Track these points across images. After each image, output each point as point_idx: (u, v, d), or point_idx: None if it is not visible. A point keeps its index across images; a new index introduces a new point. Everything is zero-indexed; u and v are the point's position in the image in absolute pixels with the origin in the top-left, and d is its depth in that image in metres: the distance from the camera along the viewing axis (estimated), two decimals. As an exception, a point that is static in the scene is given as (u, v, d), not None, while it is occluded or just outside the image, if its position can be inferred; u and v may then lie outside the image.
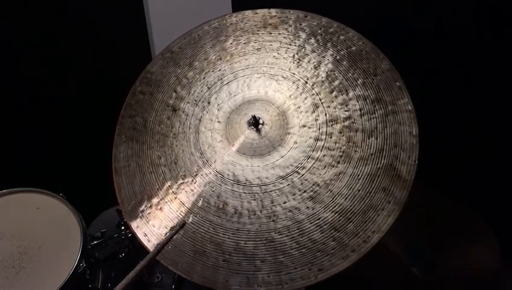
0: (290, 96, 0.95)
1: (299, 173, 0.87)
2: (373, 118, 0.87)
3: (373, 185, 0.82)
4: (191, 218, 0.87)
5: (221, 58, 1.03)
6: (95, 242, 1.14)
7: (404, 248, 1.25)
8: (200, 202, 0.89)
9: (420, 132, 0.83)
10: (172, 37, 1.07)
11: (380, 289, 1.23)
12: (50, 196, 1.15)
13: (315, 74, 0.95)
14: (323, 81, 0.94)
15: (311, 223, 0.81)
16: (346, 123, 0.88)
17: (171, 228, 0.86)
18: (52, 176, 1.49)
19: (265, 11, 1.04)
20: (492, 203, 1.42)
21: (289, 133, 0.92)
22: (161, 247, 0.82)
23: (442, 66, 1.35)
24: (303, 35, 0.99)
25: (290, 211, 0.84)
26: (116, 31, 1.37)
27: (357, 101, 0.90)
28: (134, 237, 0.90)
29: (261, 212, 0.85)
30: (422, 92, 0.99)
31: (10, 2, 1.26)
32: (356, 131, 0.87)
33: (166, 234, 0.86)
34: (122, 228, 1.23)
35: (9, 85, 1.40)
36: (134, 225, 0.90)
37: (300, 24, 1.01)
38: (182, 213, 0.88)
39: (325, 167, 0.86)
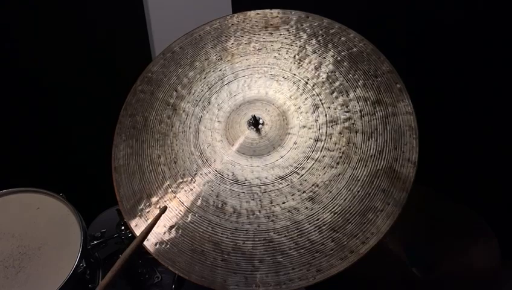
0: (290, 97, 0.95)
1: (298, 174, 0.87)
2: (373, 119, 0.87)
3: (372, 187, 0.81)
4: (189, 217, 0.88)
5: (222, 58, 1.03)
6: (95, 242, 1.14)
7: (404, 248, 1.25)
8: (199, 201, 0.89)
9: (420, 132, 0.83)
10: (172, 37, 1.07)
11: (380, 289, 1.23)
12: (50, 196, 1.15)
13: (316, 74, 0.95)
14: (323, 82, 0.94)
15: (310, 224, 0.81)
16: (346, 124, 0.88)
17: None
18: (52, 176, 1.49)
19: (267, 11, 1.05)
20: (492, 203, 1.42)
21: (289, 134, 0.92)
22: (145, 234, 0.83)
23: (443, 68, 1.35)
24: (304, 36, 0.99)
25: (289, 211, 0.84)
26: (116, 31, 1.37)
27: (358, 103, 0.89)
28: (134, 236, 0.90)
29: (259, 212, 0.85)
30: (423, 93, 0.99)
31: (10, 2, 1.27)
32: (356, 132, 0.87)
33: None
34: (122, 228, 1.23)
35: (9, 85, 1.40)
36: (133, 223, 0.90)
37: (302, 25, 1.01)
38: (180, 212, 0.89)
39: (324, 167, 0.86)
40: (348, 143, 0.87)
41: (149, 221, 0.87)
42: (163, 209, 0.89)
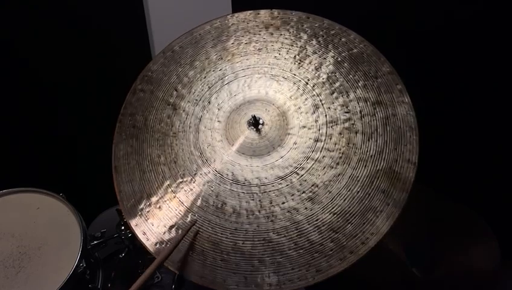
0: (290, 97, 0.95)
1: (298, 174, 0.87)
2: (373, 120, 0.87)
3: (372, 187, 0.81)
4: (189, 217, 0.88)
5: (222, 58, 1.03)
6: (95, 242, 1.14)
7: (404, 248, 1.25)
8: (199, 201, 0.89)
9: (420, 132, 0.83)
10: (172, 36, 1.07)
11: (380, 289, 1.23)
12: (50, 196, 1.15)
13: (316, 75, 0.95)
14: (324, 83, 0.94)
15: (309, 224, 0.81)
16: (346, 125, 0.88)
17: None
18: (52, 176, 1.49)
19: (267, 11, 1.04)
20: (492, 203, 1.42)
21: (289, 134, 0.92)
22: (174, 246, 0.83)
23: (443, 68, 1.35)
24: (304, 37, 0.99)
25: (288, 211, 0.84)
26: (116, 31, 1.37)
27: (358, 103, 0.89)
28: (134, 237, 0.90)
29: (259, 212, 0.85)
30: (423, 94, 0.99)
31: (10, 2, 1.26)
32: (356, 133, 0.87)
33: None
34: (122, 228, 1.23)
35: (9, 85, 1.40)
36: (133, 223, 0.90)
37: (302, 25, 1.01)
38: (180, 212, 0.89)
39: (324, 168, 0.86)
40: (348, 143, 0.87)
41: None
42: (193, 223, 0.87)
